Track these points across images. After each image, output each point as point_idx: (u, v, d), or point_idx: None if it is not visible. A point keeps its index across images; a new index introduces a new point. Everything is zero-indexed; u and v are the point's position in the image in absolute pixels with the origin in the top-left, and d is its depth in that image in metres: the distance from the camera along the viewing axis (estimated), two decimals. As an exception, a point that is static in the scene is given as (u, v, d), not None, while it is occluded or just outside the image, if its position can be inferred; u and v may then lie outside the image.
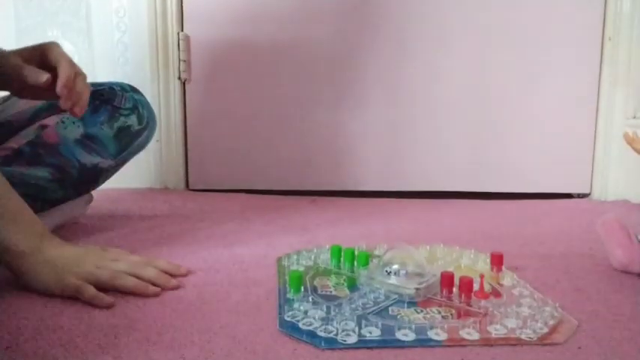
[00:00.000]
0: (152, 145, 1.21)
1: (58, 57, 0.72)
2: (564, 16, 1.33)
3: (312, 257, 0.71)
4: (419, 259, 0.61)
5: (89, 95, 0.74)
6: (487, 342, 0.48)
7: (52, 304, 0.55)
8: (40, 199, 0.83)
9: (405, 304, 0.56)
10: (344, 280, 0.64)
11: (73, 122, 0.86)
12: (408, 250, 0.62)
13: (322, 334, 0.48)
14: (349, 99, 1.38)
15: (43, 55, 0.72)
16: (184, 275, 0.66)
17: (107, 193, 1.18)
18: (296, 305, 0.54)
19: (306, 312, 0.53)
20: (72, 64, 0.72)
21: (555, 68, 1.35)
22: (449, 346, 0.47)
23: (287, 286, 0.59)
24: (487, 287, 0.59)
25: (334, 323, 0.50)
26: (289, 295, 0.57)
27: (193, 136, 1.41)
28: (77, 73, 0.73)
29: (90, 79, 0.77)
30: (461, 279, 0.57)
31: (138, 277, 0.60)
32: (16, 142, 0.83)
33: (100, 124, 0.86)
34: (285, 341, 0.48)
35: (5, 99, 0.89)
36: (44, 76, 0.68)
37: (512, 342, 0.48)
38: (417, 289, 0.57)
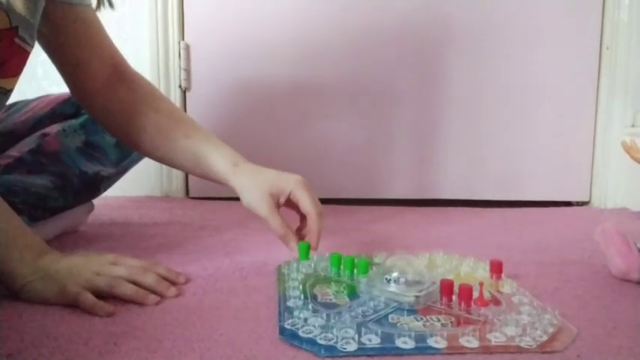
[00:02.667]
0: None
1: (306, 208, 0.71)
2: (562, 26, 1.35)
3: (312, 265, 0.71)
4: (418, 266, 0.61)
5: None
6: (487, 350, 0.48)
7: (52, 311, 0.55)
8: (40, 208, 0.83)
9: (405, 312, 0.56)
10: (344, 287, 0.64)
11: (75, 130, 0.86)
12: (408, 258, 0.62)
13: (322, 341, 0.48)
14: (349, 108, 1.39)
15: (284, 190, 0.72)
16: (184, 283, 0.66)
17: (107, 201, 1.19)
18: (296, 313, 0.54)
19: (305, 320, 0.53)
20: (319, 208, 0.71)
21: (553, 77, 1.36)
22: (448, 353, 0.47)
23: (286, 293, 0.60)
24: (487, 295, 0.60)
25: (334, 331, 0.50)
26: (289, 303, 0.57)
27: (194, 145, 1.41)
28: (321, 214, 0.72)
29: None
30: (460, 287, 0.57)
31: (137, 284, 0.60)
32: (18, 151, 0.83)
33: (101, 132, 0.86)
34: (285, 349, 0.48)
35: (8, 108, 0.89)
36: (293, 246, 0.71)
37: (511, 350, 0.48)
38: (417, 296, 0.57)
